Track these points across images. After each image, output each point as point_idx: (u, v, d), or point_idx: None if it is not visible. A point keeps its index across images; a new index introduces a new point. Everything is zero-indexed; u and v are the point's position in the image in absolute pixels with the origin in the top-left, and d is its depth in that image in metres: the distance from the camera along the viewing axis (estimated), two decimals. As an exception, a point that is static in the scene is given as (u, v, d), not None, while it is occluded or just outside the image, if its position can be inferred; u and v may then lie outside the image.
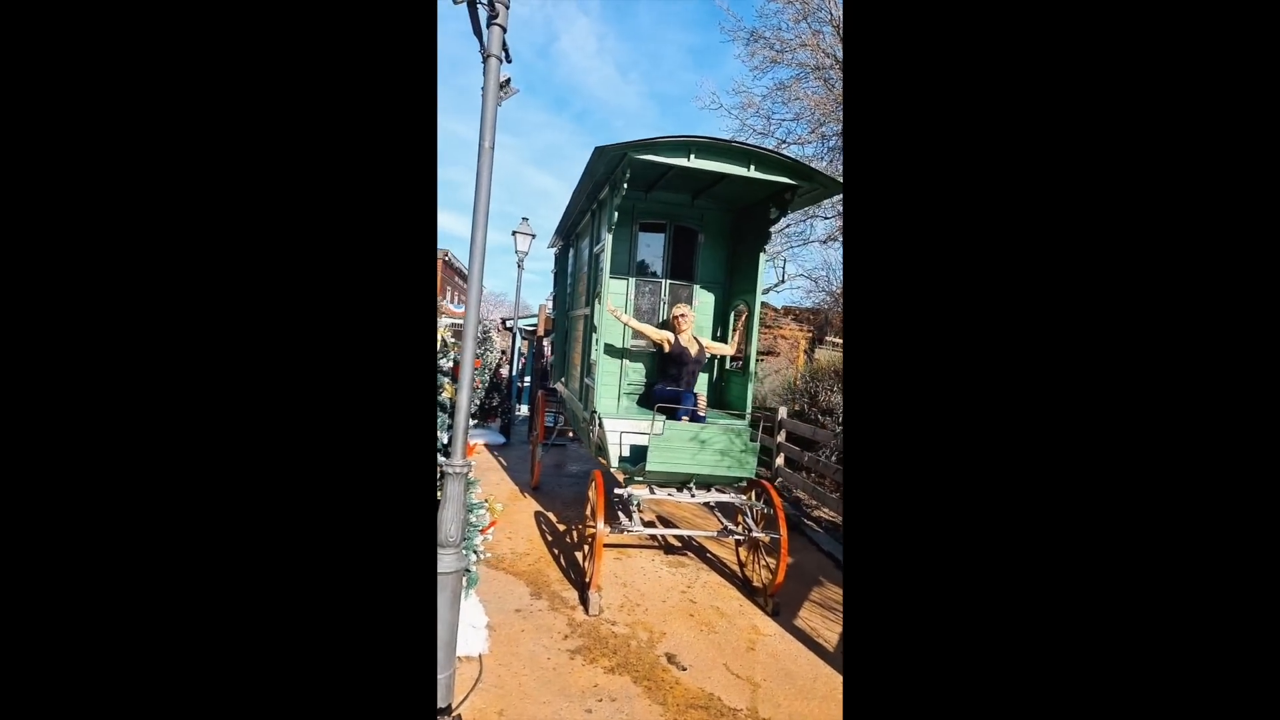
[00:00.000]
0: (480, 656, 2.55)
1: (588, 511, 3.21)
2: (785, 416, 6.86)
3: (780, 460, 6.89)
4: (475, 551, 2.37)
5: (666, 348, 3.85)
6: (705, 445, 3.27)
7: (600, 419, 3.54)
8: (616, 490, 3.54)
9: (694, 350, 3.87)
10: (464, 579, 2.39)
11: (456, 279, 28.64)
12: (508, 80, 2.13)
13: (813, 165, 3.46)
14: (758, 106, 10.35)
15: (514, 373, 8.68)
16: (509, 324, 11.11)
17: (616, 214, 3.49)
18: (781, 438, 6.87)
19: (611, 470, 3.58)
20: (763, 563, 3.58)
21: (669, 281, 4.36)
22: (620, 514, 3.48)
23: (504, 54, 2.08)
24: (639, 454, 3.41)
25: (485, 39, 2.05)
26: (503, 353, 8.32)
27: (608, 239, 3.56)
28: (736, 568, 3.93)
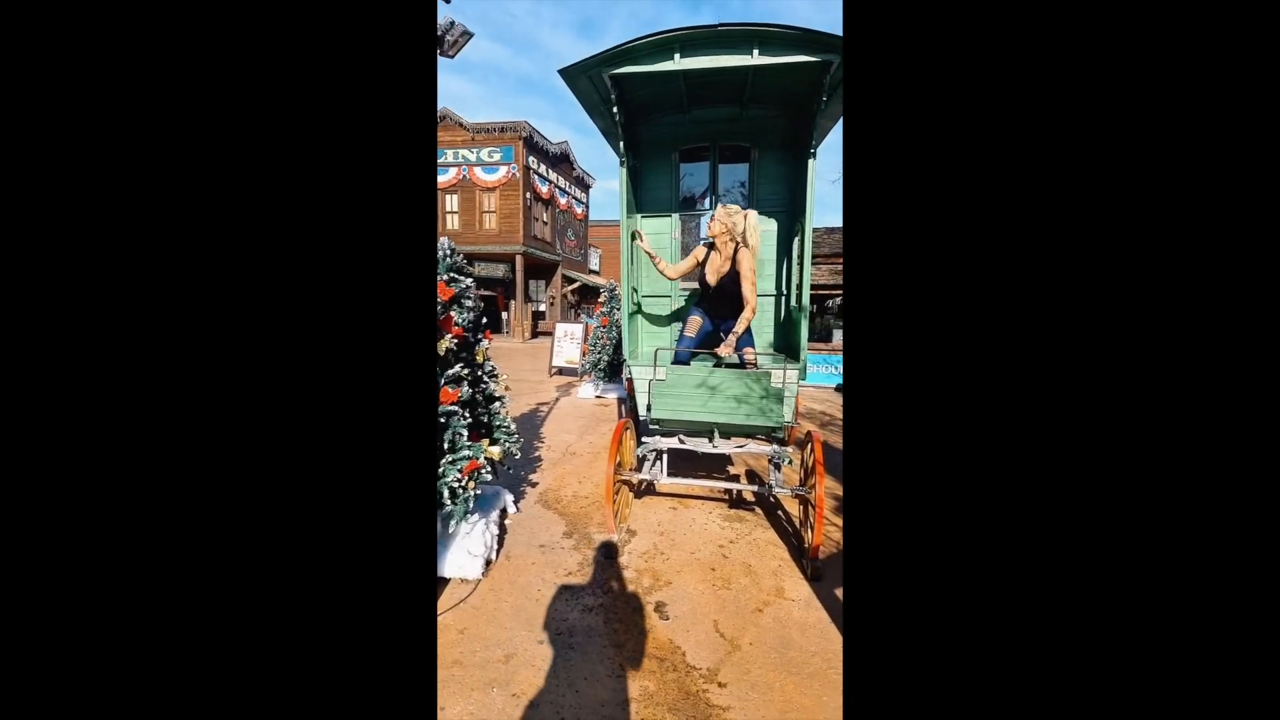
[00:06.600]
0: (478, 581, 2.81)
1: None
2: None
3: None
4: (449, 487, 2.59)
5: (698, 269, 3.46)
6: (716, 392, 2.99)
7: (629, 367, 3.48)
8: (645, 439, 3.47)
9: (722, 266, 3.26)
10: (452, 511, 2.65)
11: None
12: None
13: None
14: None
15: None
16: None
17: (623, 144, 3.29)
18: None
19: (641, 419, 3.51)
20: (811, 522, 3.18)
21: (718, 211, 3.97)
22: (647, 463, 3.41)
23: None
24: None
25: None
26: None
27: (621, 173, 3.39)
28: (799, 526, 3.56)
